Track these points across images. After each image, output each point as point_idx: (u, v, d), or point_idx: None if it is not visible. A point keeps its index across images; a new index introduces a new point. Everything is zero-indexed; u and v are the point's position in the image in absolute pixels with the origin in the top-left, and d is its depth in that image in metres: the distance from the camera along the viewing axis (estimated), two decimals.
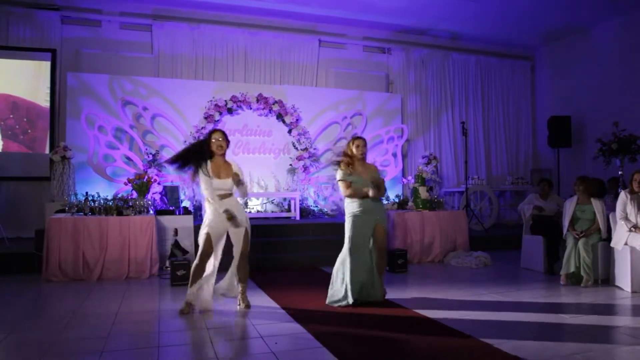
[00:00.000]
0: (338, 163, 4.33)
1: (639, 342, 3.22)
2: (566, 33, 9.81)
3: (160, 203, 7.16)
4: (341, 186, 4.27)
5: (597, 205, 5.31)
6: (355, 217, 4.20)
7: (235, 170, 3.98)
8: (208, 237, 3.92)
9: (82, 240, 5.47)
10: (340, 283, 4.22)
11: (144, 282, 5.40)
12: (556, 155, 9.63)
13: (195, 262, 3.96)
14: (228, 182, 3.94)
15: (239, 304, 4.11)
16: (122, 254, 5.56)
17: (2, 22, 7.70)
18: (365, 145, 4.30)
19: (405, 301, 4.37)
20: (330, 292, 4.28)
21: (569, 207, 5.43)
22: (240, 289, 4.12)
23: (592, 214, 5.32)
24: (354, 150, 4.27)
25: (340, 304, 4.18)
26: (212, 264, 4.04)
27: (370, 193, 4.15)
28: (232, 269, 4.07)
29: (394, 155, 9.26)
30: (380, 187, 4.23)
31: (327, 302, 4.25)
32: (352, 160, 4.27)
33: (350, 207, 4.24)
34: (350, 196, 4.22)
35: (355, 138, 4.35)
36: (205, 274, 4.00)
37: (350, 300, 4.15)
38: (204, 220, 4.02)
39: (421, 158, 9.12)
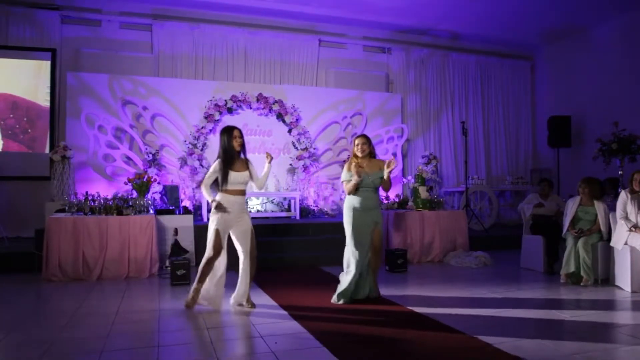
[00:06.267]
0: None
1: (639, 342, 3.22)
2: (566, 33, 9.81)
3: (160, 203, 7.16)
4: (343, 186, 4.42)
5: (599, 207, 5.29)
6: (355, 212, 4.27)
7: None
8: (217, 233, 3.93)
9: (82, 240, 5.47)
10: (348, 276, 4.26)
11: (143, 281, 5.39)
12: (556, 155, 9.63)
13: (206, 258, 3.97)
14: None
15: (244, 305, 4.10)
16: (122, 254, 5.56)
17: (2, 22, 7.69)
18: (365, 142, 4.38)
19: (406, 300, 4.37)
20: (339, 287, 4.31)
21: (571, 207, 5.42)
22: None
23: (594, 216, 5.30)
24: (355, 149, 4.40)
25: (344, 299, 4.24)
26: (223, 263, 4.04)
27: (353, 179, 4.21)
28: (243, 274, 4.05)
29: (394, 155, 9.25)
30: (385, 184, 4.35)
31: (335, 296, 4.28)
32: (357, 159, 4.36)
33: (350, 201, 4.32)
34: (350, 193, 4.32)
35: (356, 137, 4.47)
36: (214, 271, 4.01)
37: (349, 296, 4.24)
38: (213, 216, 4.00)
39: (421, 158, 9.13)
